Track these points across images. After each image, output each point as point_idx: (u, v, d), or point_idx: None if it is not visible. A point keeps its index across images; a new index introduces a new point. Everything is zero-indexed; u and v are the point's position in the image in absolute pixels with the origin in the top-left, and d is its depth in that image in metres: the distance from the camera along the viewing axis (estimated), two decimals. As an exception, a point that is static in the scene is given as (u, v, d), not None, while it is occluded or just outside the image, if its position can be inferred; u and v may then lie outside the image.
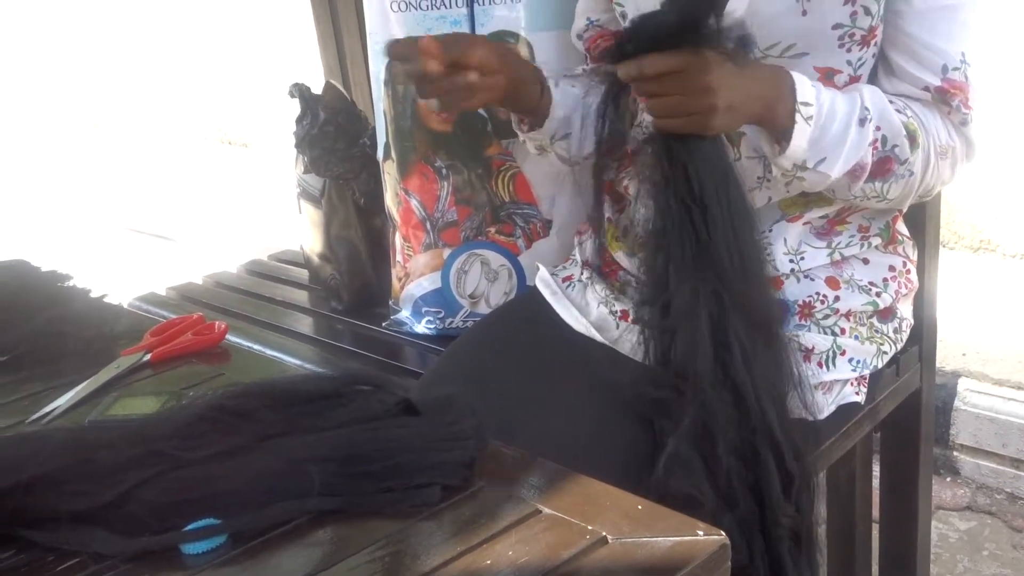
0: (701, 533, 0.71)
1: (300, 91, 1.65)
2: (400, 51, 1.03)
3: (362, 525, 0.74)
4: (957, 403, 2.06)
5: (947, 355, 2.15)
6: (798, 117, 0.98)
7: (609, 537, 0.71)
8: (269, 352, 1.50)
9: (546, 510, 0.75)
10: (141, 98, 5.06)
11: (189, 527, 0.72)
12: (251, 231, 3.45)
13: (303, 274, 1.87)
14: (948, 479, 2.08)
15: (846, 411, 1.19)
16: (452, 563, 0.69)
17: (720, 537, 0.70)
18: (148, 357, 1.06)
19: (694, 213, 0.96)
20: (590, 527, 0.72)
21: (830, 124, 1.00)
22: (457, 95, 1.05)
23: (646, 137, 1.01)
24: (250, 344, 1.52)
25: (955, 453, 2.07)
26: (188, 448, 0.76)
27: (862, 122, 1.02)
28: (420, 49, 1.00)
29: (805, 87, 0.99)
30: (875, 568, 1.55)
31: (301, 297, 1.82)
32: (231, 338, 1.19)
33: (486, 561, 0.69)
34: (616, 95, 1.07)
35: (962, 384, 2.08)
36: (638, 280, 1.16)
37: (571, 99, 1.21)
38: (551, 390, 1.11)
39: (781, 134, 1.00)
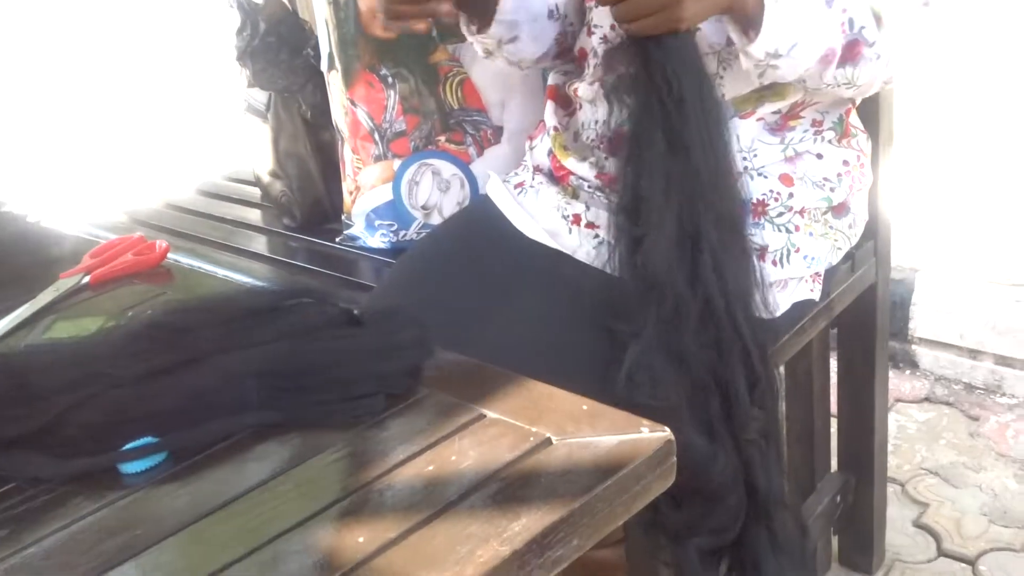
0: (645, 430, 0.70)
1: (239, 1, 1.60)
2: None
3: (305, 437, 0.73)
4: (915, 297, 2.08)
5: (905, 249, 2.16)
6: (768, 2, 0.95)
7: (553, 438, 0.70)
8: (220, 271, 1.47)
9: (491, 414, 0.74)
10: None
11: (127, 447, 0.70)
12: (206, 150, 3.38)
13: (255, 193, 1.84)
14: (907, 372, 2.10)
15: (801, 308, 1.18)
16: (396, 469, 0.68)
17: (664, 433, 0.70)
18: (87, 279, 1.03)
19: (672, 114, 0.94)
20: (534, 429, 0.71)
21: (799, 8, 0.97)
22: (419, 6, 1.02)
23: (617, 41, 0.97)
24: (200, 263, 1.49)
25: (914, 347, 2.10)
26: (124, 367, 0.75)
27: (828, 3, 0.99)
28: None
29: None
30: (834, 461, 1.58)
31: (253, 216, 1.79)
32: (178, 258, 1.17)
33: (429, 466, 0.68)
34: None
35: (920, 278, 2.09)
36: (590, 184, 1.15)
37: (518, 1, 1.17)
38: (505, 298, 1.10)
39: (750, 23, 0.97)
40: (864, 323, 1.48)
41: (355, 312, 0.83)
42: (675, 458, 0.70)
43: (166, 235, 1.66)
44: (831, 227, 1.17)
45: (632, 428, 0.71)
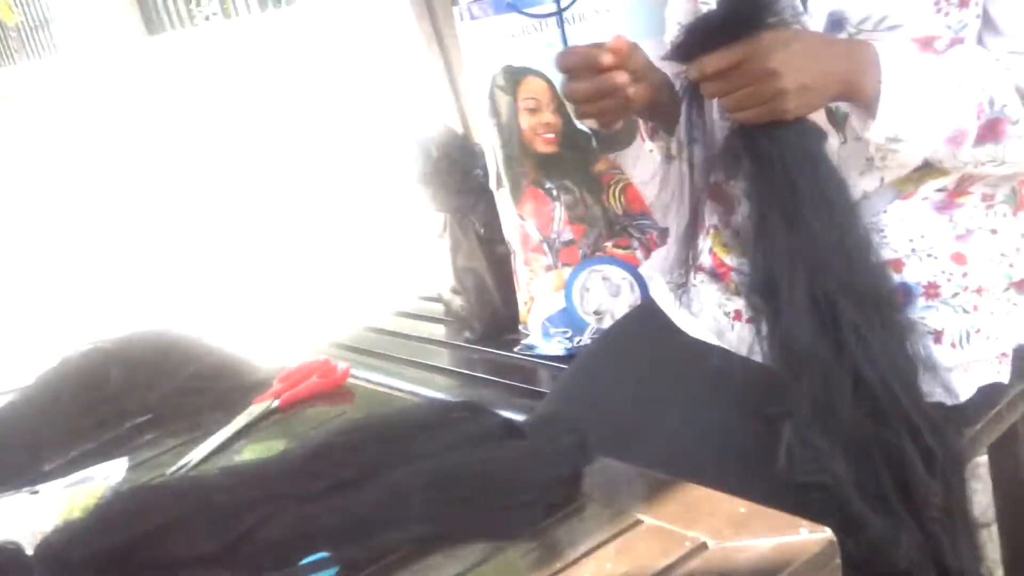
0: (805, 531, 0.68)
1: (411, 131, 1.71)
2: (573, 62, 1.03)
3: (467, 549, 0.76)
4: None
5: None
6: (883, 88, 0.94)
7: (709, 542, 0.69)
8: (404, 386, 1.55)
9: (648, 520, 0.74)
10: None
11: (303, 562, 0.75)
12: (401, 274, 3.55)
13: (441, 309, 1.92)
14: None
15: (993, 392, 1.12)
16: (553, 579, 0.69)
17: (825, 534, 0.68)
18: (277, 403, 1.11)
19: (786, 199, 0.94)
20: (690, 533, 0.71)
21: (921, 92, 0.96)
22: (618, 107, 1.05)
23: (729, 133, 0.99)
24: (382, 379, 1.57)
25: None
26: (300, 486, 0.80)
27: (960, 85, 0.97)
28: (599, 63, 1.00)
29: (891, 55, 0.96)
30: (1058, 557, 1.45)
31: (439, 332, 1.86)
32: (369, 377, 1.23)
33: (585, 575, 0.69)
34: (696, 98, 1.06)
35: None
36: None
37: None
38: (669, 398, 1.10)
39: (869, 107, 0.96)
40: (1074, 404, 1.37)
41: (515, 422, 0.86)
42: (839, 560, 0.68)
43: (361, 355, 1.76)
44: (1015, 304, 1.11)
45: (791, 530, 0.69)
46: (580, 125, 1.48)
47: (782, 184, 0.95)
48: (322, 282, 4.12)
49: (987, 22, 1.05)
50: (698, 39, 0.94)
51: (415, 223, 1.95)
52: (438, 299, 1.92)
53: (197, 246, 5.02)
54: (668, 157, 1.24)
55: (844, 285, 0.95)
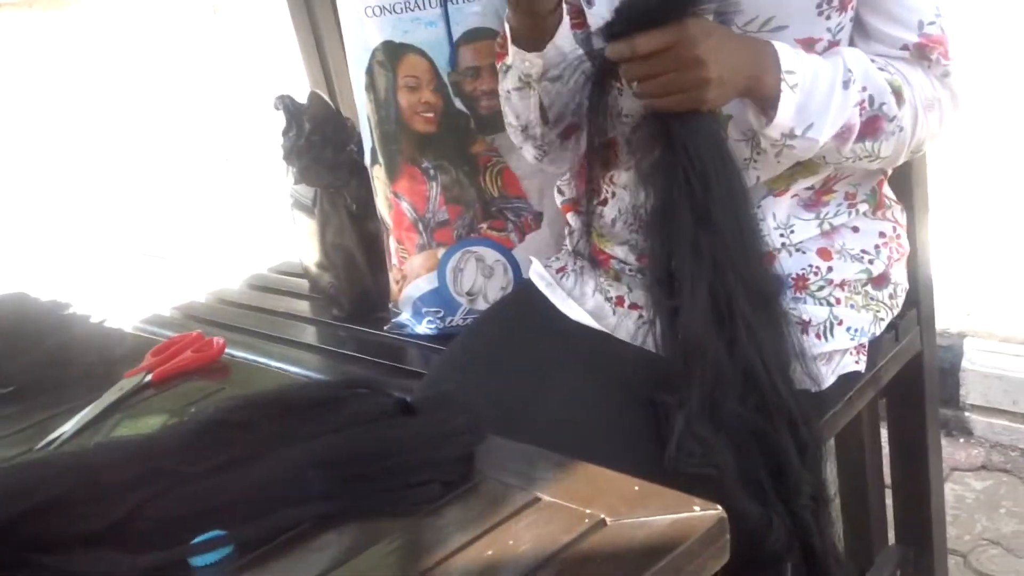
0: (698, 509, 0.71)
1: (284, 103, 1.67)
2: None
3: (365, 526, 0.75)
4: (965, 363, 2.06)
5: (951, 316, 2.16)
6: (783, 86, 0.99)
7: (607, 519, 0.71)
8: (272, 364, 1.52)
9: (545, 497, 0.76)
10: (130, 118, 5.06)
11: (195, 540, 0.73)
12: (252, 244, 3.47)
13: (304, 284, 1.88)
14: (961, 440, 2.08)
15: (847, 380, 1.19)
16: (454, 555, 0.70)
17: (717, 512, 0.71)
18: (149, 377, 1.07)
19: (696, 190, 0.97)
20: (588, 511, 0.73)
21: (815, 90, 1.01)
22: None
23: (640, 120, 1.01)
24: (253, 357, 1.53)
25: (966, 414, 2.08)
26: (190, 463, 0.78)
27: (846, 84, 1.02)
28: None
29: (788, 55, 1.00)
30: (891, 534, 1.56)
31: (303, 307, 1.83)
32: (233, 352, 1.20)
33: (487, 551, 0.70)
34: (602, 81, 1.07)
35: (968, 344, 2.08)
36: (631, 267, 1.17)
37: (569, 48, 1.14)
38: (552, 381, 1.12)
39: (768, 104, 1.00)
40: (913, 392, 1.47)
41: (408, 401, 0.86)
42: (728, 536, 0.71)
43: (220, 330, 1.71)
44: (872, 298, 1.18)
45: (684, 507, 0.72)
46: (459, 105, 1.48)
47: (693, 175, 0.97)
48: (174, 249, 3.98)
49: (859, 27, 1.11)
50: (630, 19, 0.94)
51: (274, 195, 1.92)
52: (301, 274, 1.89)
53: (49, 211, 4.78)
54: (523, 82, 1.16)
55: (741, 279, 0.98)
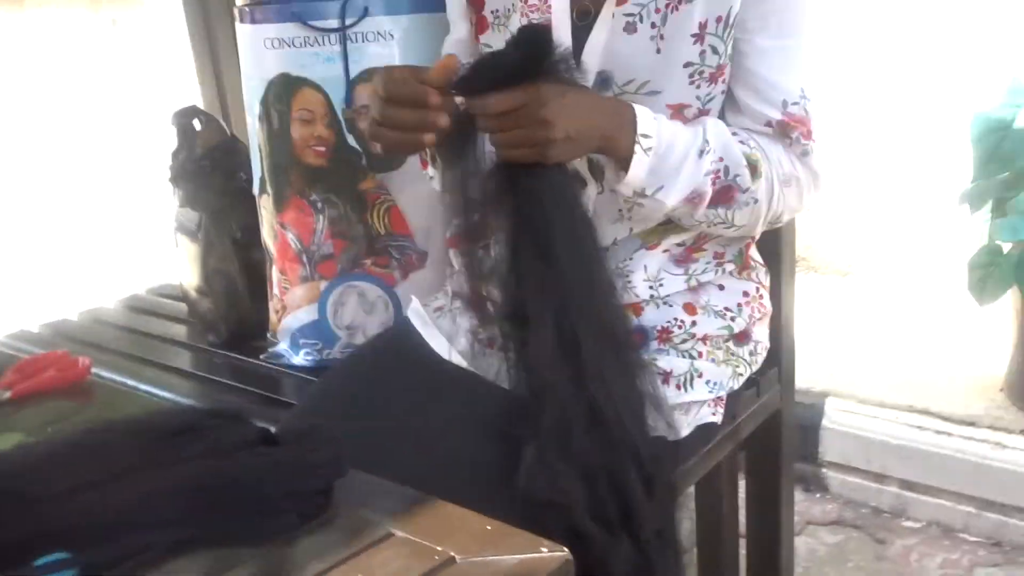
0: (545, 550, 0.74)
1: (179, 122, 1.65)
2: (402, 93, 0.99)
3: (217, 555, 0.76)
4: (825, 422, 2.15)
5: (816, 375, 2.25)
6: (637, 148, 1.04)
7: (457, 557, 0.74)
8: (142, 387, 1.49)
9: (399, 533, 0.77)
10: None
11: (39, 562, 0.72)
12: (133, 264, 3.39)
13: (182, 308, 1.86)
14: (818, 495, 2.16)
15: (705, 431, 1.24)
16: (303, 588, 0.71)
17: (563, 553, 0.74)
18: (8, 395, 1.05)
19: (540, 235, 1.01)
20: (439, 548, 0.75)
21: (669, 155, 1.06)
22: (420, 141, 1.02)
23: (492, 167, 1.05)
24: (122, 379, 1.51)
25: (824, 470, 2.16)
26: (42, 484, 0.77)
27: (701, 153, 1.08)
28: (431, 99, 0.98)
29: (646, 120, 1.05)
30: (744, 582, 1.62)
31: (179, 332, 1.80)
32: (101, 374, 1.19)
33: (336, 584, 0.71)
34: (468, 131, 1.11)
35: (829, 403, 2.18)
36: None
37: None
38: (418, 418, 1.14)
39: (623, 163, 1.06)
40: (770, 447, 1.54)
41: (272, 431, 0.86)
42: (573, 576, 0.74)
43: (91, 350, 1.67)
44: (733, 354, 1.24)
45: (533, 548, 0.74)
46: (351, 142, 1.49)
47: (539, 220, 1.01)
48: (47, 264, 3.85)
49: (730, 99, 1.18)
50: (485, 77, 0.98)
51: (154, 217, 1.89)
52: (180, 298, 1.86)
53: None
54: (443, 185, 1.25)
55: (588, 322, 1.02)
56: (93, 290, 2.37)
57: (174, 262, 1.79)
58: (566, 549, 0.74)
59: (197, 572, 0.74)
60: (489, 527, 0.77)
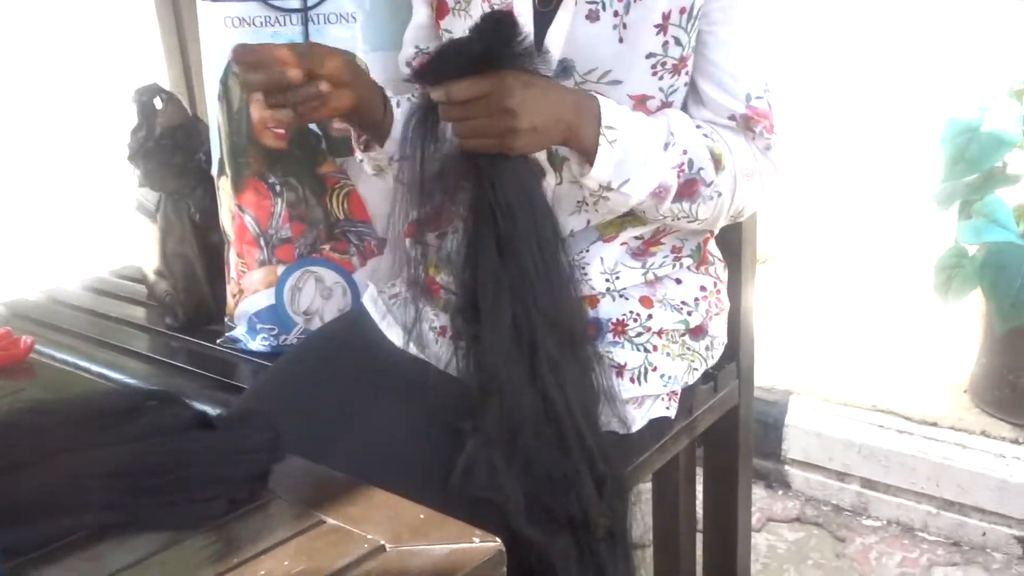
0: (477, 540, 0.73)
1: (140, 99, 1.63)
2: (252, 59, 1.02)
3: (144, 538, 0.74)
4: (788, 419, 2.15)
5: (781, 373, 2.26)
6: (602, 140, 1.03)
7: (387, 545, 0.72)
8: (95, 369, 1.47)
9: (330, 520, 0.76)
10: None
11: (-43, 543, 0.70)
12: (98, 244, 3.35)
13: (142, 290, 1.83)
14: (780, 492, 2.16)
15: (659, 425, 1.23)
16: (229, 573, 0.69)
17: (495, 544, 0.73)
18: (-55, 372, 1.03)
19: (500, 226, 1.00)
20: (369, 536, 0.73)
21: (634, 148, 1.05)
22: (307, 106, 1.04)
23: (454, 155, 1.03)
24: (75, 360, 1.49)
25: (786, 467, 2.16)
26: (-36, 463, 0.75)
27: (666, 146, 1.07)
28: (276, 58, 1.00)
29: (611, 112, 1.04)
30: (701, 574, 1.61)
31: (138, 314, 1.78)
32: (54, 354, 1.17)
33: (260, 572, 0.69)
34: (429, 118, 1.09)
35: (793, 401, 2.18)
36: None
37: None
38: (366, 406, 1.12)
39: (588, 156, 1.04)
40: (728, 442, 1.53)
41: (209, 415, 0.85)
42: (504, 568, 0.73)
43: (45, 329, 1.65)
44: (688, 348, 1.23)
45: (464, 538, 0.73)
46: (312, 125, 1.48)
47: (498, 211, 1.00)
48: (13, 243, 3.81)
49: (693, 91, 1.16)
50: (449, 64, 0.97)
51: (119, 197, 1.86)
52: (140, 280, 1.84)
53: None
54: (377, 170, 1.25)
55: (545, 315, 1.01)
56: (64, 269, 2.34)
57: (134, 243, 1.76)
58: (498, 540, 0.73)
59: (120, 557, 0.72)
60: (422, 516, 0.76)
